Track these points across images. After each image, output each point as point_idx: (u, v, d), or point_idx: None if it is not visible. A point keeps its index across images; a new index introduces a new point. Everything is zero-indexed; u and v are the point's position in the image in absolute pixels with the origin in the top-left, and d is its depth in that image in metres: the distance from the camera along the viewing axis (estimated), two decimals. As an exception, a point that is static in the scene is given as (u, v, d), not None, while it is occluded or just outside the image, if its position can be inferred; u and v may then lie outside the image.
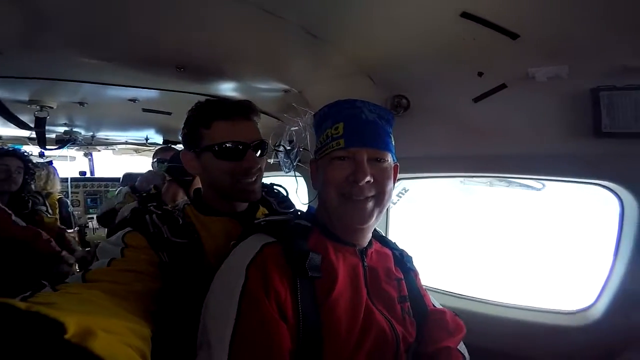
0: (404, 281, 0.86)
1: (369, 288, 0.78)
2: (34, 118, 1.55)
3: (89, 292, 0.63)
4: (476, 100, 1.21)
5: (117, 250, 0.77)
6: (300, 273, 0.69)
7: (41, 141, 2.01)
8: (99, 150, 3.61)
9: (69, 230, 2.95)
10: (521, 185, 1.99)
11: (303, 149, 1.67)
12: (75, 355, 0.43)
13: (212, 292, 0.70)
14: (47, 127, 1.97)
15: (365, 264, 0.80)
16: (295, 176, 1.86)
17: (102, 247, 0.81)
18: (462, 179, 2.26)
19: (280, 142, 1.73)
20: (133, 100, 1.58)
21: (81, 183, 3.93)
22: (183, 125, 0.96)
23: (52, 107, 1.55)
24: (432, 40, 1.10)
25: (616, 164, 1.03)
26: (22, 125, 1.31)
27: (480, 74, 1.14)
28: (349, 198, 0.73)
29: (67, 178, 3.56)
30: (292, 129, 1.61)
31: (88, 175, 4.17)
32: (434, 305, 0.92)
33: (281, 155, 1.70)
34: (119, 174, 4.09)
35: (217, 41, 1.13)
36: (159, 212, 0.88)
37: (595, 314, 1.17)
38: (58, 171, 3.05)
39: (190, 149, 0.94)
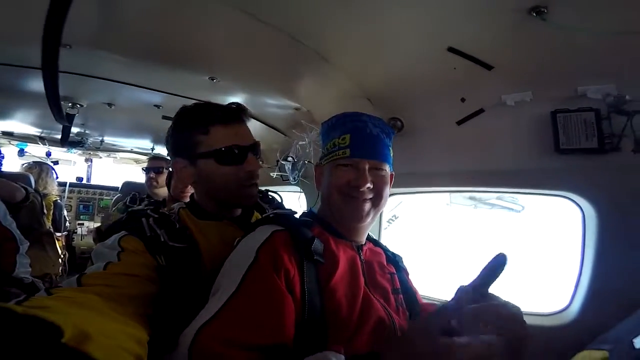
0: (396, 275, 0.95)
1: (366, 278, 0.85)
2: (65, 114, 1.66)
3: (84, 296, 0.61)
4: (459, 122, 1.43)
5: (113, 254, 0.75)
6: (307, 256, 0.75)
7: (65, 138, 2.08)
8: (101, 157, 3.67)
9: (57, 234, 2.93)
10: (503, 207, 2.19)
11: (308, 162, 1.83)
12: (72, 358, 0.43)
13: (221, 274, 0.74)
14: (58, 127, 2.09)
15: (362, 258, 0.88)
16: (300, 191, 1.99)
17: (98, 251, 0.79)
18: (447, 201, 2.45)
19: (287, 155, 1.89)
20: (158, 106, 1.73)
21: (76, 188, 3.90)
22: (170, 132, 0.93)
23: (82, 105, 1.68)
24: (424, 70, 1.33)
25: (573, 177, 1.21)
26: (60, 117, 1.42)
27: (462, 100, 1.37)
28: (350, 198, 0.83)
29: (66, 182, 3.56)
30: (299, 143, 1.78)
31: (84, 181, 4.16)
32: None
33: (289, 166, 1.85)
34: (114, 182, 4.10)
35: (245, 58, 1.33)
36: (156, 215, 0.86)
37: (570, 314, 1.27)
38: (57, 173, 3.07)
39: (183, 156, 0.91)
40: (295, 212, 0.96)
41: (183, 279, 0.78)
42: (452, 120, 1.44)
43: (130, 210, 0.96)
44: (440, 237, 2.57)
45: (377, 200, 0.85)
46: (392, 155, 0.92)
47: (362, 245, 0.91)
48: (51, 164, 2.96)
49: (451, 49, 1.13)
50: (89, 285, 0.66)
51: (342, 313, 0.74)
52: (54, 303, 0.53)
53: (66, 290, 0.63)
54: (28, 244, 1.71)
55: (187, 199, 1.90)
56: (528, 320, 1.39)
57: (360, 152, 0.84)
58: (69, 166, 3.60)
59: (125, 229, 0.82)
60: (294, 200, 2.34)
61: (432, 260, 2.39)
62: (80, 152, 3.20)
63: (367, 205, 0.84)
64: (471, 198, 2.33)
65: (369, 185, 0.82)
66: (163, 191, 2.20)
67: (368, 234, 0.97)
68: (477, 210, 2.46)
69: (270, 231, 0.78)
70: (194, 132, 0.88)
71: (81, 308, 0.56)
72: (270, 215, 0.87)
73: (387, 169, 0.88)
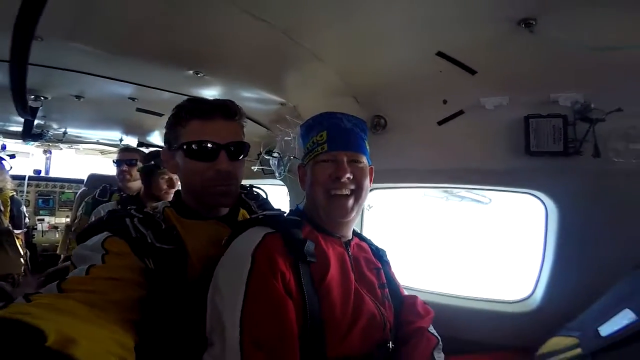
0: (382, 270, 1.00)
1: (355, 274, 0.88)
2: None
3: (65, 302, 0.59)
4: (440, 123, 1.50)
5: (97, 256, 0.71)
6: (301, 258, 0.77)
7: (26, 132, 1.91)
8: (61, 149, 3.38)
9: (16, 231, 2.72)
10: (472, 199, 2.35)
11: (293, 157, 1.83)
12: None
13: (219, 277, 0.74)
14: (16, 119, 1.92)
15: (350, 253, 0.92)
16: (283, 184, 1.98)
17: (79, 254, 0.75)
18: (422, 194, 2.58)
19: (271, 149, 1.88)
20: (133, 98, 1.64)
21: (34, 182, 3.58)
22: (165, 125, 0.95)
23: (46, 98, 1.54)
24: (410, 72, 1.38)
25: (540, 177, 1.33)
26: (24, 111, 1.29)
27: (444, 102, 1.44)
28: (333, 195, 0.86)
29: (24, 175, 3.24)
30: (285, 139, 1.77)
31: (43, 174, 3.83)
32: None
33: (274, 161, 1.84)
34: (76, 174, 3.84)
35: (232, 51, 1.29)
36: (140, 215, 0.83)
37: (534, 302, 1.40)
38: (12, 167, 2.80)
39: (169, 148, 0.92)
40: (284, 213, 0.98)
41: (172, 282, 0.76)
42: (433, 120, 1.51)
43: (111, 210, 0.91)
44: (415, 226, 2.72)
45: (359, 193, 0.88)
46: (368, 149, 0.95)
47: (349, 240, 0.95)
48: (3, 157, 2.70)
49: (440, 54, 1.18)
50: (70, 291, 0.63)
51: (336, 310, 0.78)
52: (34, 310, 0.52)
53: (46, 297, 0.60)
54: None
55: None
56: (495, 307, 1.49)
57: (337, 145, 0.88)
58: (26, 158, 3.28)
59: (109, 229, 0.78)
60: (276, 194, 2.34)
61: (409, 248, 2.53)
62: (38, 143, 2.93)
63: (350, 201, 0.88)
64: (444, 191, 2.47)
65: (348, 175, 0.85)
66: (136, 184, 2.10)
67: (353, 229, 1.01)
68: (448, 202, 2.61)
69: (262, 234, 0.79)
70: (176, 125, 0.88)
71: (62, 314, 0.54)
72: (260, 217, 0.88)
73: (365, 161, 0.92)
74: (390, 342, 0.87)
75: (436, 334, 0.95)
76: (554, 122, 1.23)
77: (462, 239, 2.51)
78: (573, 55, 1.07)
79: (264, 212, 0.93)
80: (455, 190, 2.47)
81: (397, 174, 1.71)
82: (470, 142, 1.47)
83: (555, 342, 1.08)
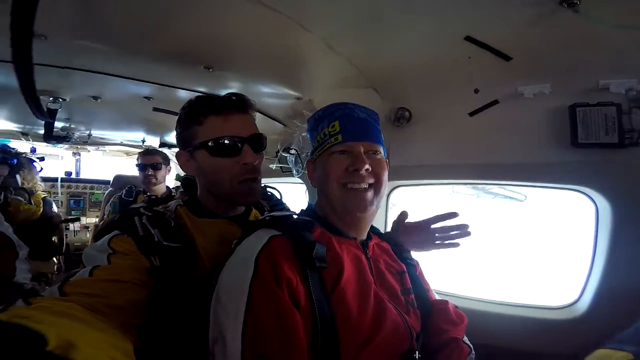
0: (406, 274, 0.90)
1: (374, 278, 0.80)
2: (46, 109, 1.55)
3: (66, 304, 0.59)
4: (472, 114, 1.37)
5: (103, 256, 0.72)
6: (309, 263, 0.71)
7: (48, 134, 1.96)
8: (89, 151, 3.52)
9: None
10: (505, 196, 2.17)
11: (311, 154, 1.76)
12: None
13: (221, 285, 0.70)
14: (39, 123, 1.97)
15: (368, 255, 0.83)
16: (303, 182, 1.91)
17: (88, 254, 0.76)
18: (450, 190, 2.42)
19: (289, 146, 1.82)
20: (148, 97, 1.62)
21: (65, 183, 3.78)
22: (176, 125, 0.91)
23: (65, 99, 1.56)
24: (436, 59, 1.26)
25: (590, 172, 1.18)
26: (40, 113, 1.31)
27: (476, 91, 1.30)
28: (350, 188, 0.79)
29: (56, 177, 3.41)
30: (302, 134, 1.70)
31: (74, 175, 4.03)
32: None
33: (291, 158, 1.78)
34: (105, 175, 3.99)
35: (246, 45, 1.23)
36: (149, 213, 0.83)
37: (580, 308, 1.27)
38: (42, 168, 2.94)
39: (185, 148, 0.89)
40: (294, 213, 0.91)
41: (178, 281, 0.75)
42: (464, 111, 1.38)
43: (122, 209, 0.91)
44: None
45: (378, 186, 0.81)
46: (383, 139, 0.88)
47: (366, 241, 0.86)
48: (33, 159, 2.83)
49: (468, 38, 1.05)
50: (72, 294, 0.63)
51: (352, 320, 0.71)
52: (33, 313, 0.51)
53: (46, 300, 0.60)
54: (27, 249, 1.66)
55: None
56: (534, 313, 1.36)
57: (352, 135, 0.81)
58: (57, 161, 3.45)
59: (117, 228, 0.79)
60: (295, 192, 2.28)
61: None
62: (67, 146, 3.06)
63: (369, 194, 0.80)
64: (474, 187, 2.30)
65: (367, 166, 0.78)
66: (161, 187, 2.11)
67: (373, 226, 0.92)
68: (479, 200, 2.44)
69: (267, 237, 0.73)
70: (191, 123, 0.86)
71: (62, 318, 0.54)
72: (267, 219, 0.82)
73: (382, 152, 0.84)
74: (417, 352, 0.77)
75: (469, 342, 0.85)
76: (605, 111, 1.07)
77: (497, 239, 2.34)
78: (623, 36, 0.92)
79: (271, 213, 0.86)
80: (487, 187, 2.29)
81: (423, 170, 1.59)
82: (506, 135, 1.33)
83: (603, 354, 0.95)
